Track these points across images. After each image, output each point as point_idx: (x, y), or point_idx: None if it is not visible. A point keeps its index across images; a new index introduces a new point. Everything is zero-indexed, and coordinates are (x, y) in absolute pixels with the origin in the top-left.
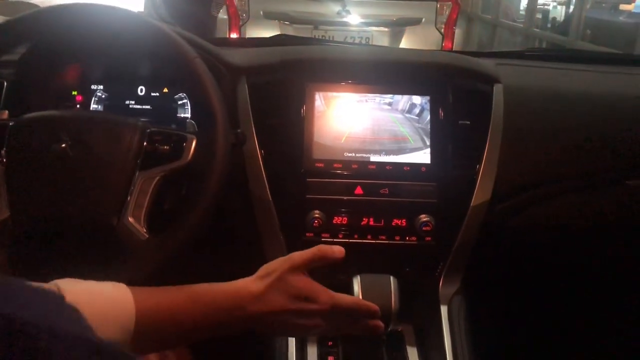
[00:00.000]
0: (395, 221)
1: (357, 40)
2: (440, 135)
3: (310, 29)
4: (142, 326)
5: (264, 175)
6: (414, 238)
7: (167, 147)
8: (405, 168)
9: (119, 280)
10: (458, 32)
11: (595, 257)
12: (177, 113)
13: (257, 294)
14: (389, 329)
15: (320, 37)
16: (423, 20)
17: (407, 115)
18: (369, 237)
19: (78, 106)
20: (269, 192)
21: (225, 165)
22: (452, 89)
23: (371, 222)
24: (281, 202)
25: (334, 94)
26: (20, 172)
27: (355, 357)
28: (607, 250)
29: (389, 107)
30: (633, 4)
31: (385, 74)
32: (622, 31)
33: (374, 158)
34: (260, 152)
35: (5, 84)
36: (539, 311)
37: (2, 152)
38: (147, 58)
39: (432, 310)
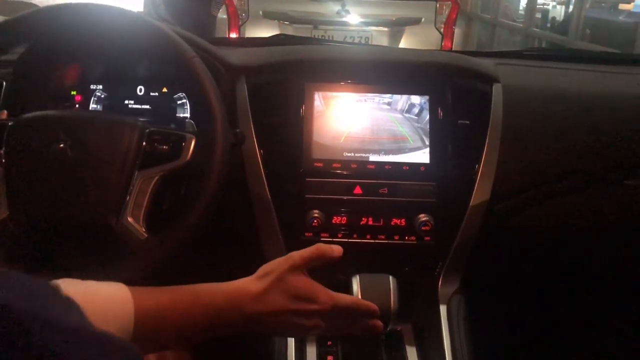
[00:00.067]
0: (395, 221)
1: (356, 40)
2: (440, 135)
3: (309, 28)
4: (141, 326)
5: (263, 175)
6: (413, 238)
7: (166, 147)
8: (404, 168)
9: (118, 280)
10: (457, 31)
11: (595, 257)
12: (176, 113)
13: (256, 294)
14: (388, 329)
15: (319, 37)
16: (422, 20)
17: (406, 115)
18: (368, 236)
19: (77, 106)
20: (268, 192)
21: (224, 164)
22: (452, 88)
23: (370, 222)
24: (280, 201)
25: (333, 93)
26: (19, 172)
27: (354, 356)
28: (607, 250)
29: (388, 107)
30: (632, 4)
31: (384, 73)
32: (621, 30)
33: (373, 158)
34: (260, 151)
35: (4, 83)
36: (538, 311)
37: (1, 152)
38: (146, 58)
39: (431, 309)
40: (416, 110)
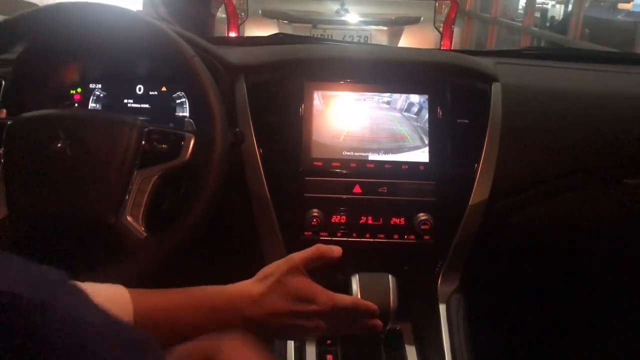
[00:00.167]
0: (394, 220)
1: (355, 39)
2: (439, 134)
3: (308, 27)
4: (140, 327)
5: (263, 174)
6: (412, 237)
7: (166, 146)
8: (403, 167)
9: (117, 279)
10: (457, 31)
11: (594, 256)
12: (175, 112)
13: (256, 297)
14: (388, 328)
15: (318, 36)
16: (422, 19)
17: (406, 114)
18: (367, 235)
19: (76, 105)
20: (267, 191)
21: (223, 164)
22: (451, 87)
23: (370, 221)
24: (280, 200)
25: (333, 92)
26: (18, 171)
27: (353, 355)
28: (607, 249)
29: (388, 106)
30: (631, 3)
31: (383, 72)
32: (620, 30)
33: (373, 157)
34: (259, 150)
35: (3, 82)
36: (538, 310)
37: (1, 151)
38: (145, 57)
39: (431, 308)
40: (415, 109)
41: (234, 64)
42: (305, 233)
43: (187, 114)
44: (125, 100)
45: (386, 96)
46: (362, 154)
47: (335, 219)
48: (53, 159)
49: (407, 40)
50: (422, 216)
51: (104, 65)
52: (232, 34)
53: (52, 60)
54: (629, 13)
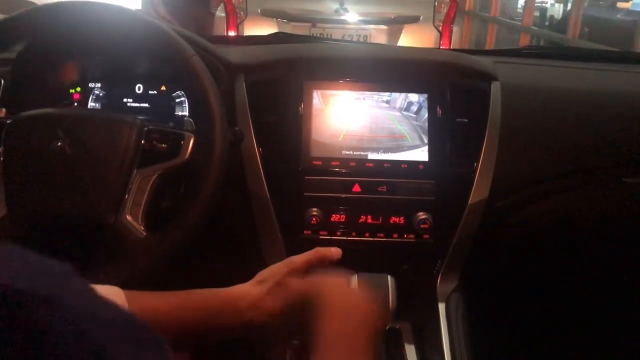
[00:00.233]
0: (393, 219)
1: (355, 38)
2: (438, 133)
3: (308, 26)
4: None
5: (262, 173)
6: (411, 236)
7: (165, 145)
8: (402, 166)
9: (116, 278)
10: (456, 30)
11: (594, 255)
12: (174, 111)
13: (255, 299)
14: (387, 327)
15: (318, 35)
16: (421, 18)
17: (405, 113)
18: (366, 234)
19: (76, 104)
20: (267, 190)
21: (223, 163)
22: (450, 86)
23: (369, 220)
24: (279, 200)
25: (332, 91)
26: (17, 170)
27: None
28: (607, 248)
29: (387, 105)
30: (630, 2)
31: (383, 71)
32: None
33: (372, 156)
34: (258, 150)
35: (2, 82)
36: (537, 309)
37: (0, 150)
38: (145, 56)
39: (430, 308)
40: (415, 108)
41: (234, 63)
42: (305, 232)
43: (186, 113)
44: (125, 100)
45: (385, 95)
46: (362, 153)
47: (334, 218)
48: (52, 158)
49: (407, 39)
50: (421, 215)
51: (103, 64)
52: (232, 33)
53: (51, 59)
54: (628, 12)
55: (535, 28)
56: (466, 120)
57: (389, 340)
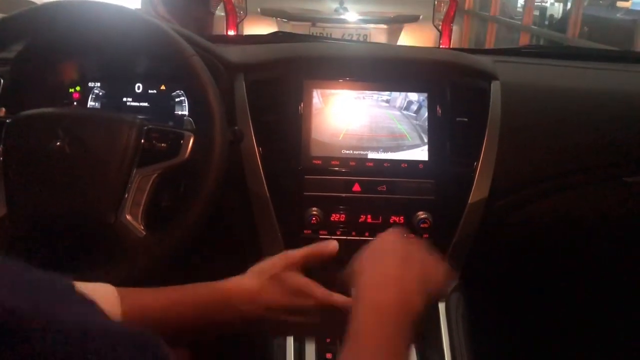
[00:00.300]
0: (393, 218)
1: (354, 38)
2: (438, 133)
3: (307, 26)
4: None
5: (262, 173)
6: (411, 235)
7: (165, 145)
8: (402, 165)
9: (116, 278)
10: (455, 29)
11: (595, 254)
12: (174, 110)
13: (251, 293)
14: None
15: (317, 35)
16: (421, 17)
17: (405, 112)
18: (366, 234)
19: (75, 103)
20: (266, 190)
21: (222, 162)
22: (450, 86)
23: (369, 219)
24: (279, 199)
25: (332, 91)
26: (17, 170)
27: None
28: (607, 248)
29: (387, 104)
30: (630, 1)
31: (383, 71)
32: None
33: (372, 155)
34: (258, 149)
35: (2, 81)
36: (538, 308)
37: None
38: (144, 55)
39: (430, 307)
40: (415, 107)
41: (233, 62)
42: (305, 231)
43: (186, 112)
44: (125, 99)
45: (385, 94)
46: (362, 152)
47: (334, 217)
48: (52, 157)
49: (406, 39)
50: (421, 214)
51: (102, 63)
52: (231, 32)
53: (50, 59)
54: (627, 11)
55: (535, 27)
56: (466, 119)
57: None
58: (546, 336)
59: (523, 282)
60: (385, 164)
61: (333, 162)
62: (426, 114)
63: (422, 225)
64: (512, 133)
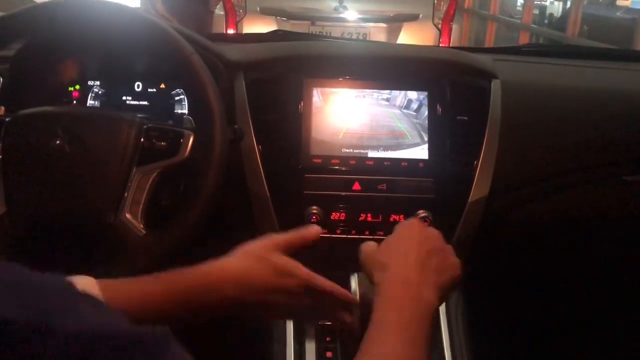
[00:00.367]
0: (393, 217)
1: (354, 36)
2: (438, 131)
3: (307, 24)
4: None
5: (262, 172)
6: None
7: (164, 143)
8: (402, 164)
9: (115, 276)
10: (455, 28)
11: (595, 254)
12: (174, 109)
13: (235, 275)
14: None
15: (317, 33)
16: (420, 16)
17: (405, 111)
18: (367, 232)
19: (75, 102)
20: (266, 188)
21: (222, 161)
22: (450, 84)
23: (369, 218)
24: (279, 198)
25: (332, 89)
26: (16, 169)
27: (353, 353)
28: (607, 247)
29: (387, 103)
30: (630, 0)
31: (382, 69)
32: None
33: (372, 154)
34: (258, 148)
35: (1, 80)
36: (538, 307)
37: None
38: (144, 54)
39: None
40: (415, 106)
41: (233, 61)
42: None
43: (186, 111)
44: (124, 98)
45: (385, 93)
46: (362, 151)
47: (334, 216)
48: (51, 156)
49: (406, 37)
50: (421, 213)
51: (102, 62)
52: (231, 31)
53: (50, 57)
54: (627, 10)
55: (535, 26)
56: (466, 118)
57: None
58: (546, 335)
59: (523, 280)
60: (385, 163)
61: (333, 161)
62: (426, 113)
63: None
64: (512, 132)
